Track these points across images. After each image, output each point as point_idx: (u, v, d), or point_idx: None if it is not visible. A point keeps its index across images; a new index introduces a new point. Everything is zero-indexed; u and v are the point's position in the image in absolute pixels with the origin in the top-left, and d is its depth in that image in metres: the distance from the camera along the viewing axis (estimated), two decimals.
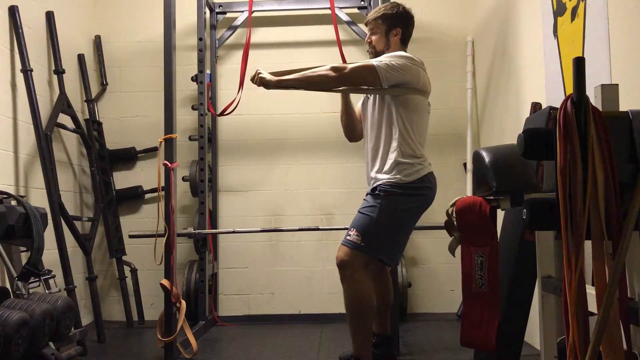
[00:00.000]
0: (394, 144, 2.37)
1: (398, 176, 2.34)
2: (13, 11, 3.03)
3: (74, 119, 3.54)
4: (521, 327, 2.33)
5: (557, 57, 2.55)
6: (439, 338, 3.23)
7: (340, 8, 3.85)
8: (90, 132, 3.74)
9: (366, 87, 2.45)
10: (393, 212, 2.33)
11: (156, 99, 3.74)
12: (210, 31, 3.91)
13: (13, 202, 2.56)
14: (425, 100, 2.46)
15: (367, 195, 2.44)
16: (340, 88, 2.42)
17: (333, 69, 2.34)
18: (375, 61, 2.36)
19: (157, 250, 2.97)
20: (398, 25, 2.51)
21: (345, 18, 3.86)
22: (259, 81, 2.39)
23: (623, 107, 1.37)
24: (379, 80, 2.32)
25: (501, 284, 2.18)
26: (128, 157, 3.95)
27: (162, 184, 2.87)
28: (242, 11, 3.89)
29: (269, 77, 2.38)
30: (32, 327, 2.16)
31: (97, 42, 3.99)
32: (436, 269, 3.91)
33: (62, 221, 3.13)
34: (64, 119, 3.47)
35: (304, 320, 3.81)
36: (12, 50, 3.06)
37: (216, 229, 3.84)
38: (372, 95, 2.48)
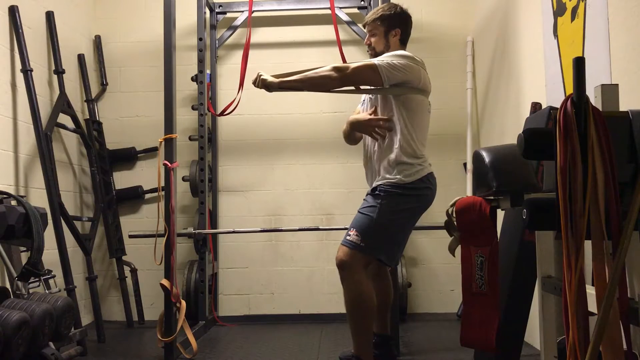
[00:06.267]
0: (395, 144, 2.37)
1: (398, 176, 2.34)
2: (13, 11, 3.03)
3: (74, 119, 3.54)
4: (521, 327, 2.33)
5: (557, 57, 2.55)
6: (439, 338, 3.23)
7: (340, 8, 3.85)
8: (90, 132, 3.74)
9: (368, 88, 2.45)
10: (393, 213, 2.33)
11: (156, 99, 3.74)
12: (210, 31, 3.91)
13: (13, 202, 2.56)
14: (426, 100, 2.46)
15: (367, 195, 2.44)
16: (343, 88, 2.42)
17: (335, 69, 2.33)
18: (376, 60, 2.36)
19: (157, 250, 2.97)
20: (397, 26, 2.51)
21: (345, 18, 3.86)
22: (261, 83, 2.39)
23: (623, 107, 1.37)
24: (380, 80, 2.32)
25: (501, 284, 2.18)
26: (128, 157, 3.95)
27: (162, 184, 2.87)
28: (242, 11, 3.89)
29: (270, 79, 2.38)
30: (32, 327, 2.16)
31: (97, 42, 3.99)
32: (436, 269, 3.91)
33: (62, 221, 3.13)
34: (64, 119, 3.47)
35: (304, 320, 3.81)
36: (12, 50, 3.06)
37: (216, 229, 3.84)
38: (374, 96, 2.48)
